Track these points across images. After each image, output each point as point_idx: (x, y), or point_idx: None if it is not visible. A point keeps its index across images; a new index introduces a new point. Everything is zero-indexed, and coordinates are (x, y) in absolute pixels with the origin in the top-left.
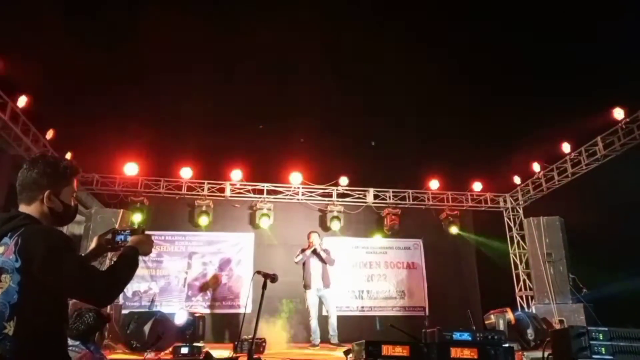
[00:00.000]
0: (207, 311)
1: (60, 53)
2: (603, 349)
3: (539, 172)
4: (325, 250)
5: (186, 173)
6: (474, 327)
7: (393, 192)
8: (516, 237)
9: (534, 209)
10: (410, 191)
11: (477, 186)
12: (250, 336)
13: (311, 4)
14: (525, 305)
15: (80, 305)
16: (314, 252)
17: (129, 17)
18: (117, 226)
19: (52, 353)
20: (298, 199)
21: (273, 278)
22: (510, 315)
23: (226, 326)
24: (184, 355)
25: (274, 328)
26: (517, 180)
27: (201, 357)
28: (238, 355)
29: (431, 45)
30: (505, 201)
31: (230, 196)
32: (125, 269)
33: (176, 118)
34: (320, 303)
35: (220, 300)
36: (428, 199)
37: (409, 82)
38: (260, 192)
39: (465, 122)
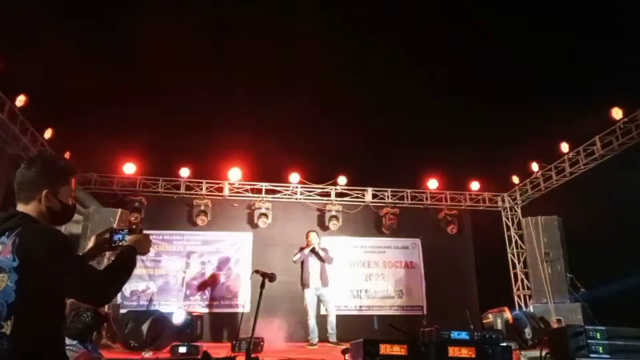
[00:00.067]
0: (205, 310)
1: (59, 52)
2: (600, 347)
3: (537, 172)
4: (323, 249)
5: (184, 172)
6: (472, 326)
7: (391, 191)
8: (514, 236)
9: (532, 208)
10: (409, 191)
11: (475, 186)
12: (248, 335)
13: (311, 14)
14: (523, 305)
15: (78, 305)
16: (313, 251)
17: (128, 16)
18: (115, 225)
19: (49, 352)
20: (296, 199)
21: (271, 277)
22: (508, 315)
23: (224, 325)
24: (182, 354)
25: (272, 327)
26: (515, 179)
27: (199, 357)
28: (236, 354)
29: (430, 45)
30: (503, 201)
31: (229, 195)
32: (123, 268)
33: (175, 117)
34: (319, 302)
35: (219, 300)
36: (426, 199)
37: (408, 82)
38: (259, 191)
39: (463, 122)
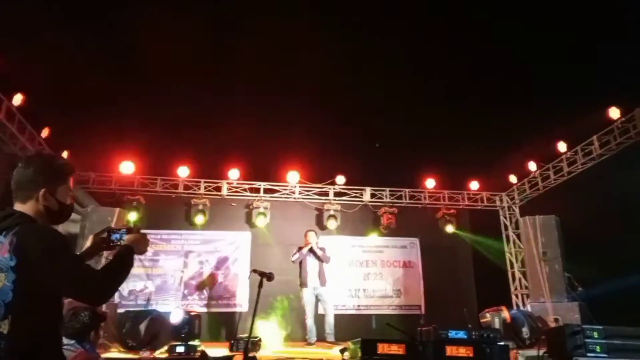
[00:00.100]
0: (203, 310)
1: (57, 51)
2: (598, 347)
3: (535, 171)
4: (321, 249)
5: (183, 172)
6: (470, 326)
7: (390, 191)
8: (512, 235)
9: (530, 207)
10: (407, 190)
11: (474, 185)
12: (246, 335)
13: (311, 15)
14: (520, 304)
15: (75, 304)
16: (311, 250)
17: (128, 16)
18: (113, 225)
19: (47, 352)
20: (295, 198)
21: (269, 277)
22: (505, 314)
23: (222, 325)
24: (179, 354)
25: (270, 327)
26: (513, 179)
27: (197, 356)
28: (234, 354)
29: (430, 45)
30: (501, 200)
31: (227, 195)
32: (121, 268)
33: (173, 117)
34: (317, 301)
35: (217, 299)
36: (424, 198)
37: (407, 82)
38: (257, 190)
39: (461, 121)
